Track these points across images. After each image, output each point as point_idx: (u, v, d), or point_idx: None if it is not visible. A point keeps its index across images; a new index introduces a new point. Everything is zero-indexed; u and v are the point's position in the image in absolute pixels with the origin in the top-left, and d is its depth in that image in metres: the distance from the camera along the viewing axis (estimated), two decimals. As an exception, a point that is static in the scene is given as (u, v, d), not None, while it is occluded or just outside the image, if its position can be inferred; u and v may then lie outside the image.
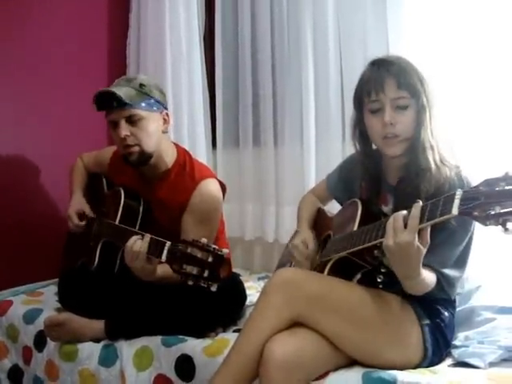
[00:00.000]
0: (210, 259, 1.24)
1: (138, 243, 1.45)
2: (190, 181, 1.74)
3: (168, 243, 1.36)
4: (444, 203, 1.04)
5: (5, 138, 2.27)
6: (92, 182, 2.02)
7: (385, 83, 1.35)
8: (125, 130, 1.67)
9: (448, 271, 1.31)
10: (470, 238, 1.35)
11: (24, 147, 2.31)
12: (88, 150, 2.10)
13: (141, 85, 1.70)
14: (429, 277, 1.25)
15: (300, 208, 1.76)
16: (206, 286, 1.26)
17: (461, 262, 1.35)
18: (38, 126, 2.34)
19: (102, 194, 1.96)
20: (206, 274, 1.24)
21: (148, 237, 1.44)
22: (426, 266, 1.24)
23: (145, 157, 1.71)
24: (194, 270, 1.25)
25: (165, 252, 1.35)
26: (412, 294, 1.29)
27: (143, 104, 1.68)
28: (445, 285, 1.32)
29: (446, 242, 1.29)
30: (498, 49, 1.78)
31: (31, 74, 2.33)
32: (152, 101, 1.71)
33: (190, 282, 1.26)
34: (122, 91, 1.65)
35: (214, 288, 1.26)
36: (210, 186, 1.75)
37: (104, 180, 1.98)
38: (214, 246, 1.26)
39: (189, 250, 1.27)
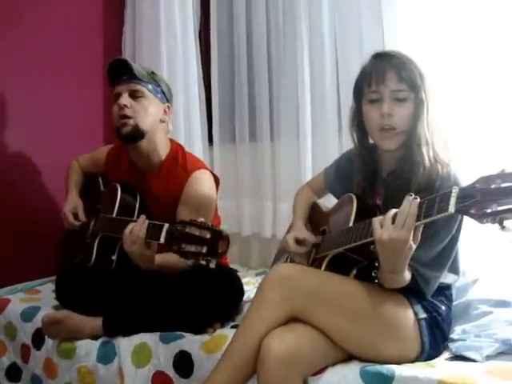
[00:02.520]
0: (208, 236, 1.25)
1: (136, 228, 1.46)
2: (182, 172, 1.76)
3: (166, 225, 1.36)
4: (440, 201, 1.04)
5: (2, 135, 2.26)
6: (88, 183, 2.03)
7: (386, 75, 1.36)
8: (126, 100, 1.71)
9: (425, 270, 1.31)
10: (454, 240, 1.35)
11: (22, 145, 2.31)
12: (85, 147, 2.11)
13: (153, 72, 1.79)
14: (406, 273, 1.26)
15: (296, 201, 1.76)
16: (205, 263, 1.26)
17: (440, 262, 1.34)
18: (35, 122, 2.33)
19: (98, 193, 1.97)
20: (204, 250, 1.25)
21: (146, 222, 1.45)
22: None
23: (137, 133, 1.73)
24: (193, 248, 1.26)
25: (163, 234, 1.35)
26: (405, 288, 1.29)
27: (150, 86, 1.76)
28: (421, 283, 1.32)
29: (427, 240, 1.28)
30: (494, 44, 1.78)
31: (27, 71, 2.31)
32: (159, 89, 1.79)
33: (190, 261, 1.27)
34: (135, 66, 1.73)
35: (212, 264, 1.27)
36: (203, 177, 1.77)
37: (100, 179, 1.99)
38: (211, 224, 1.27)
39: (187, 230, 1.27)
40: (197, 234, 1.26)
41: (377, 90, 1.37)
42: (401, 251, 1.15)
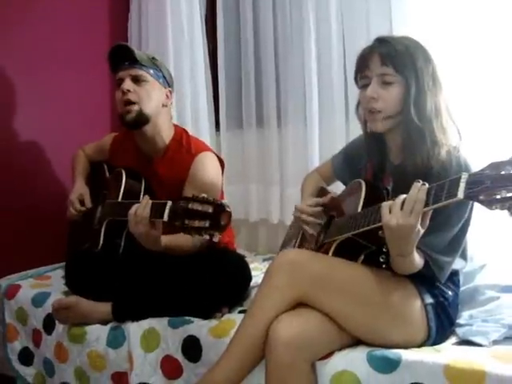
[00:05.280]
0: (210, 210, 1.26)
1: (140, 208, 1.46)
2: (187, 155, 1.78)
3: (169, 202, 1.37)
4: (449, 186, 1.04)
5: (10, 124, 2.27)
6: (94, 170, 2.05)
7: (369, 59, 1.37)
8: (128, 85, 1.73)
9: (438, 256, 1.31)
10: (466, 225, 1.35)
11: (30, 134, 2.32)
12: (92, 136, 2.12)
13: (153, 58, 1.80)
14: (417, 259, 1.26)
15: (304, 185, 1.77)
16: (208, 237, 1.27)
17: (453, 247, 1.34)
18: (42, 112, 2.33)
19: (103, 180, 1.98)
20: (207, 224, 1.26)
21: (149, 202, 1.45)
22: (417, 248, 1.24)
23: (142, 118, 1.74)
24: (196, 223, 1.27)
25: (166, 211, 1.36)
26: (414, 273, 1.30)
27: (151, 71, 1.77)
28: (434, 269, 1.32)
29: (440, 226, 1.28)
30: (505, 33, 1.75)
31: (33, 62, 2.31)
32: (160, 74, 1.80)
33: (194, 236, 1.28)
34: (136, 51, 1.75)
35: (216, 238, 1.28)
36: (208, 159, 1.79)
37: (105, 166, 2.00)
38: (213, 198, 1.29)
39: (190, 206, 1.28)
40: (199, 209, 1.27)
41: (365, 75, 1.38)
42: (408, 236, 1.16)
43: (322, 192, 1.73)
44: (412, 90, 1.33)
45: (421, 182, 1.13)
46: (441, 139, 1.32)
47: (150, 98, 1.75)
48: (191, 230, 1.28)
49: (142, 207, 1.46)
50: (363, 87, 1.40)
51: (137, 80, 1.74)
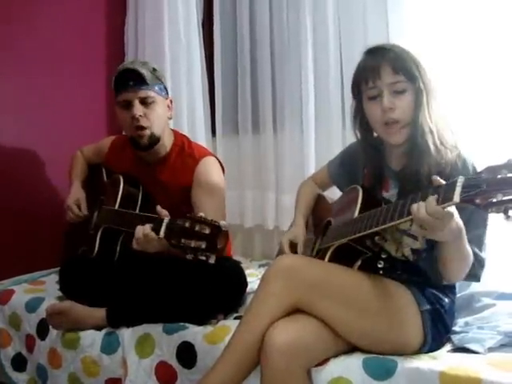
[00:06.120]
0: (207, 231, 1.25)
1: (146, 230, 1.41)
2: (190, 160, 1.78)
3: (166, 219, 1.36)
4: (446, 190, 1.04)
5: (7, 128, 2.26)
6: (92, 174, 2.04)
7: (381, 69, 1.35)
8: (139, 110, 1.70)
9: (481, 252, 1.30)
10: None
11: (26, 138, 2.31)
12: (89, 140, 2.12)
13: (154, 69, 1.76)
14: (469, 251, 1.23)
15: (298, 195, 1.76)
16: (204, 258, 1.26)
17: (484, 246, 1.33)
18: (39, 116, 2.33)
19: (101, 184, 1.97)
20: (203, 245, 1.25)
21: (147, 226, 1.42)
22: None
23: (154, 140, 1.75)
24: (192, 243, 1.25)
25: (163, 228, 1.35)
26: (409, 280, 1.30)
27: (156, 87, 1.74)
28: (477, 266, 1.29)
29: (470, 221, 1.24)
30: (501, 34, 1.76)
31: (32, 66, 2.32)
32: (162, 86, 1.78)
33: (189, 256, 1.27)
34: (144, 72, 1.70)
35: (212, 260, 1.27)
36: (212, 162, 1.80)
37: (103, 170, 1.99)
38: (211, 219, 1.27)
39: (186, 225, 1.27)
40: (196, 229, 1.25)
41: (374, 86, 1.37)
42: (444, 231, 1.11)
43: (319, 199, 1.73)
44: (423, 96, 1.34)
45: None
46: (446, 142, 1.33)
47: (159, 118, 1.75)
48: (187, 249, 1.26)
49: (147, 229, 1.41)
50: (371, 99, 1.38)
51: (145, 102, 1.71)
